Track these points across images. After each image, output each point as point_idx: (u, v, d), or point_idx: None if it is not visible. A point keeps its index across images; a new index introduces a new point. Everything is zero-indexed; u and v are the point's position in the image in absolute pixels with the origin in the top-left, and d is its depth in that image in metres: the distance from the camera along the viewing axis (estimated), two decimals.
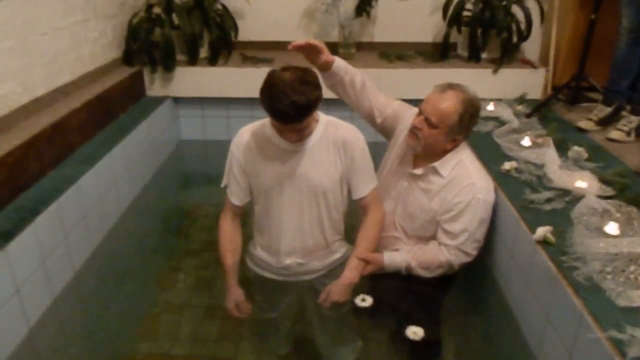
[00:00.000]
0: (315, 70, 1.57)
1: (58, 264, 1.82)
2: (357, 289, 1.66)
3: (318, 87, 1.42)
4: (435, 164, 1.67)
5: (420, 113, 1.66)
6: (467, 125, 1.64)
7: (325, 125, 1.59)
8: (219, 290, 1.84)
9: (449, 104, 1.60)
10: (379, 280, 1.74)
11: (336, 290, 1.59)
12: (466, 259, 1.70)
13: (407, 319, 1.65)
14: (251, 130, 1.64)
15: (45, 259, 1.74)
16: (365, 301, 1.67)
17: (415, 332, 1.59)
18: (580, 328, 1.27)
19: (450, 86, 1.66)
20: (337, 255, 1.74)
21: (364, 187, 1.64)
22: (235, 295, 1.65)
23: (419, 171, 1.72)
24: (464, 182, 1.66)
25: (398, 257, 1.69)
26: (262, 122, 1.63)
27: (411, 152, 1.75)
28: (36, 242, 1.68)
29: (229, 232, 1.68)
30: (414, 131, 1.66)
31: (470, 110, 1.62)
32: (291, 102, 1.35)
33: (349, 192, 1.67)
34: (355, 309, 1.67)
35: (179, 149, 3.23)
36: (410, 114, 1.79)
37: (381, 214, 1.70)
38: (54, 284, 1.79)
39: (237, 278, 1.68)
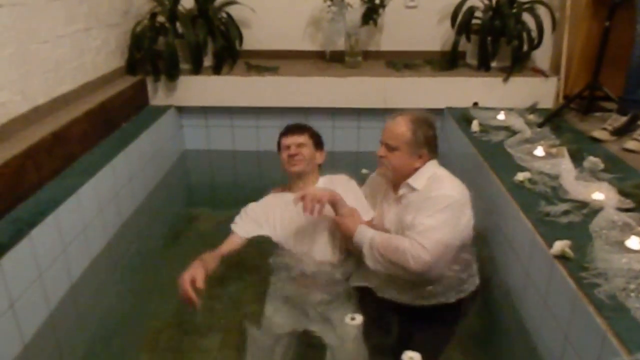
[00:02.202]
0: None
1: (55, 277, 1.75)
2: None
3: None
4: (409, 180, 1.70)
5: (380, 144, 1.77)
6: (425, 139, 1.71)
7: (324, 182, 1.92)
8: (222, 302, 1.81)
9: (400, 125, 1.72)
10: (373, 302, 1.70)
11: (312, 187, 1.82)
12: (423, 254, 1.48)
13: (404, 343, 1.55)
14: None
15: (42, 273, 1.67)
16: (355, 320, 1.61)
17: (411, 358, 1.49)
18: (604, 350, 1.18)
19: (400, 113, 1.77)
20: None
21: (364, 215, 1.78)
22: (199, 269, 1.55)
23: (399, 192, 1.74)
24: (434, 185, 1.65)
25: (370, 231, 1.66)
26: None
27: (390, 187, 1.81)
28: (32, 255, 1.62)
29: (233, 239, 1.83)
30: (381, 161, 1.77)
31: (422, 125, 1.72)
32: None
33: None
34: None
35: (183, 159, 3.18)
36: (373, 177, 1.98)
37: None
38: (50, 297, 1.73)
39: (213, 262, 1.67)
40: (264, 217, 1.88)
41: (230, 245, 1.81)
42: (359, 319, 1.62)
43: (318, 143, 1.99)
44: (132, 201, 2.44)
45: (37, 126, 2.03)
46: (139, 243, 2.29)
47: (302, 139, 1.93)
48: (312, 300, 1.72)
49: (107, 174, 2.16)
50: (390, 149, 1.71)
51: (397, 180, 1.74)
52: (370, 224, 1.78)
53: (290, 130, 1.97)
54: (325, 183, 1.93)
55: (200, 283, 1.51)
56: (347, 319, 1.62)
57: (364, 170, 2.29)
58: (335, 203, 1.71)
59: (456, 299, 1.66)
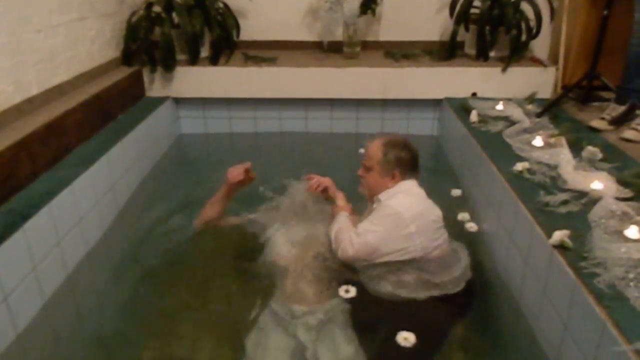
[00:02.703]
0: None
1: (50, 269, 1.74)
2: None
3: None
4: (380, 194, 1.80)
5: (361, 164, 1.90)
6: (395, 160, 1.79)
7: None
8: (218, 295, 1.80)
9: (374, 147, 1.85)
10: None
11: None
12: (349, 249, 1.68)
13: (398, 324, 1.56)
14: None
15: (36, 265, 1.66)
16: (349, 292, 1.69)
17: (406, 338, 1.50)
18: (603, 339, 1.18)
19: (378, 137, 1.89)
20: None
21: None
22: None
23: (372, 206, 1.82)
24: (391, 198, 1.74)
25: (343, 218, 1.82)
26: None
27: (370, 204, 1.88)
28: (26, 248, 1.61)
29: None
30: (361, 181, 1.90)
31: (393, 147, 1.81)
32: None
33: None
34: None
35: (180, 150, 3.15)
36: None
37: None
38: (45, 289, 1.72)
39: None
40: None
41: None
42: (352, 290, 1.69)
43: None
44: (128, 192, 2.42)
45: (30, 117, 2.01)
46: (135, 233, 2.27)
47: None
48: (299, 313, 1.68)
49: (102, 166, 2.14)
50: (367, 169, 1.86)
51: (372, 198, 1.86)
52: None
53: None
54: None
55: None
56: (342, 291, 1.69)
57: (362, 150, 2.28)
58: (334, 195, 1.95)
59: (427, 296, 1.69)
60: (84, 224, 1.97)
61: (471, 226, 2.13)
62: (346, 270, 1.80)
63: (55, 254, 1.77)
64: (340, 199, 1.96)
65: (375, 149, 1.85)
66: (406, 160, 1.82)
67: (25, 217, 1.63)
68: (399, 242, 1.66)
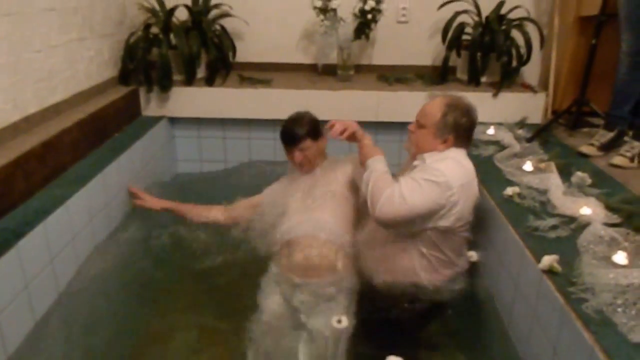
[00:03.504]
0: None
1: (42, 288, 1.74)
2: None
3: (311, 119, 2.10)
4: (425, 154, 1.76)
5: (415, 119, 1.85)
6: (453, 124, 1.72)
7: (330, 163, 2.11)
8: (214, 311, 1.84)
9: (434, 105, 1.77)
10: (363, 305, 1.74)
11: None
12: (387, 207, 1.58)
13: (387, 347, 1.57)
14: None
15: (28, 283, 1.66)
16: (341, 322, 1.63)
17: None
18: None
19: (443, 95, 1.83)
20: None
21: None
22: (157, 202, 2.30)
23: (414, 163, 1.79)
24: (439, 162, 1.69)
25: (380, 164, 1.74)
26: None
27: (411, 163, 1.85)
28: (19, 266, 1.60)
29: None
30: (409, 135, 1.86)
31: (455, 110, 1.74)
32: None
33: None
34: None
35: (175, 169, 3.17)
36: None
37: None
38: (36, 308, 1.71)
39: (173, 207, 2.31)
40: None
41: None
42: (344, 321, 1.62)
43: (315, 135, 2.06)
44: (122, 211, 2.42)
45: (27, 135, 2.02)
46: (128, 251, 2.27)
47: (303, 144, 2.03)
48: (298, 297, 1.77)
49: (97, 184, 2.14)
50: (419, 125, 1.78)
51: (416, 155, 1.81)
52: None
53: (287, 142, 2.07)
54: (331, 163, 2.12)
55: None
56: (333, 322, 1.63)
57: None
58: (362, 137, 1.89)
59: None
60: (77, 241, 1.97)
61: (471, 255, 2.02)
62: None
63: (47, 272, 1.77)
64: (369, 142, 1.86)
65: (434, 108, 1.75)
66: (465, 127, 1.75)
67: (18, 235, 1.63)
68: (440, 207, 1.61)
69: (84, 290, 1.93)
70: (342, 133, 1.86)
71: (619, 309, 1.29)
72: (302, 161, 2.05)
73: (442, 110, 1.73)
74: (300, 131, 2.02)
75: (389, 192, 1.59)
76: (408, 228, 1.68)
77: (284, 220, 2.00)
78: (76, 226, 1.97)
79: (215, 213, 2.27)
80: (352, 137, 1.90)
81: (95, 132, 2.42)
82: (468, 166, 1.74)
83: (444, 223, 1.66)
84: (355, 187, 1.98)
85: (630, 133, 2.42)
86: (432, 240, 1.72)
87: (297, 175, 2.14)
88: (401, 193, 1.58)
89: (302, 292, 1.79)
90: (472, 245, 2.04)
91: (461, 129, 1.74)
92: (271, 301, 1.80)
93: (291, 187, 2.12)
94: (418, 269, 1.76)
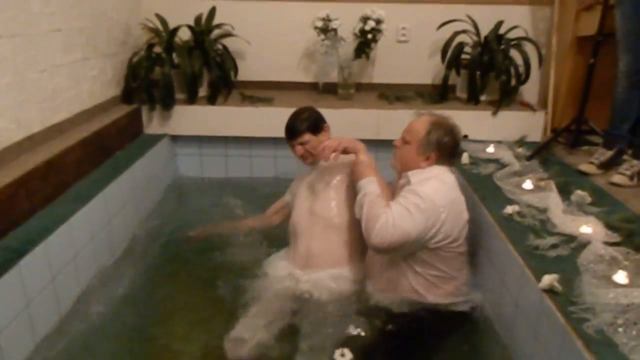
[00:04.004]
0: None
1: (43, 307, 1.74)
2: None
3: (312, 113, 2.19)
4: (409, 172, 1.80)
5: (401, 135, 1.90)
6: (436, 142, 1.78)
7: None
8: (217, 332, 1.80)
9: (419, 123, 1.84)
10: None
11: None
12: (382, 237, 1.61)
13: None
14: None
15: (29, 303, 1.66)
16: (344, 356, 1.62)
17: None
18: None
19: (428, 113, 1.90)
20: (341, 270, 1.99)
21: None
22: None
23: (400, 182, 1.85)
24: (425, 180, 1.74)
25: (373, 186, 1.76)
26: None
27: (397, 179, 1.91)
28: (20, 285, 1.61)
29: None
30: (394, 152, 1.90)
31: (438, 129, 1.79)
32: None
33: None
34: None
35: (176, 187, 3.18)
36: None
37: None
38: (37, 328, 1.71)
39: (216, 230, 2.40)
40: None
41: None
42: (347, 355, 1.62)
43: (315, 129, 2.13)
44: (124, 229, 2.43)
45: (31, 154, 2.04)
46: (131, 271, 2.27)
47: (302, 138, 2.10)
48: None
49: (99, 202, 2.15)
50: (405, 141, 1.84)
51: (401, 172, 1.86)
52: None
53: (288, 136, 2.16)
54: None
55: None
56: (337, 355, 1.62)
57: None
58: (357, 151, 1.89)
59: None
60: (78, 260, 1.97)
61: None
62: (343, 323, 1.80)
63: (48, 291, 1.77)
64: (364, 157, 1.87)
65: (419, 125, 1.82)
66: (447, 146, 1.80)
67: (20, 254, 1.63)
68: (432, 227, 1.66)
69: (86, 310, 1.93)
70: (334, 152, 1.89)
71: (620, 329, 1.29)
72: (304, 154, 2.13)
73: (426, 128, 1.79)
74: (299, 125, 2.11)
75: (382, 220, 1.62)
76: (404, 252, 1.72)
77: (292, 215, 2.17)
78: (78, 245, 1.97)
79: (252, 224, 2.42)
80: (347, 151, 1.91)
81: (98, 150, 2.44)
82: (450, 182, 1.79)
83: (433, 241, 1.69)
84: None
85: (630, 151, 2.44)
86: (423, 259, 1.75)
87: (306, 170, 2.26)
88: (394, 221, 1.62)
89: (305, 283, 1.94)
90: (472, 264, 2.04)
91: (444, 148, 1.79)
92: (278, 267, 2.06)
93: (300, 182, 2.26)
94: (416, 286, 1.79)
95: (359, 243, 1.98)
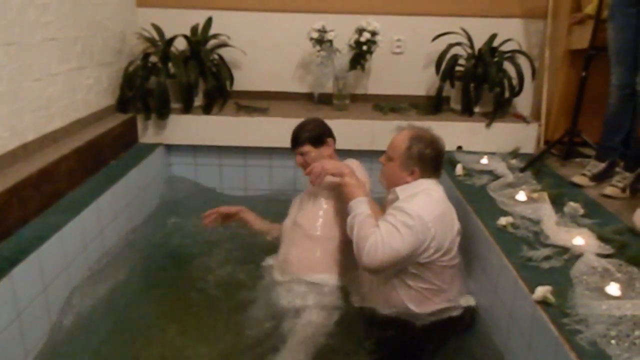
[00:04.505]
0: None
1: (34, 317, 1.72)
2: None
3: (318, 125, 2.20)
4: (397, 188, 1.82)
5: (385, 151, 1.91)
6: (417, 157, 1.79)
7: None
8: (210, 341, 1.83)
9: (400, 138, 1.85)
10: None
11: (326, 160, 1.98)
12: (373, 257, 1.62)
13: None
14: None
15: (21, 313, 1.64)
16: None
17: None
18: None
19: (410, 125, 1.91)
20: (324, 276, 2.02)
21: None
22: (235, 210, 2.37)
23: (388, 197, 1.87)
24: (412, 197, 1.75)
25: (363, 207, 1.77)
26: None
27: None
28: (11, 295, 1.59)
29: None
30: (380, 169, 1.91)
31: (418, 142, 1.81)
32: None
33: None
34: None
35: (171, 196, 3.17)
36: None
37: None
38: (28, 338, 1.69)
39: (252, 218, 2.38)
40: None
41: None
42: None
43: (317, 142, 2.13)
44: (117, 238, 2.42)
45: (24, 163, 2.03)
46: (123, 280, 2.26)
47: (302, 148, 2.13)
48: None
49: (92, 212, 2.15)
50: (388, 158, 1.85)
51: (389, 188, 1.87)
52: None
53: (291, 143, 2.17)
54: None
55: (222, 220, 2.34)
56: None
57: None
58: (342, 175, 1.88)
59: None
60: (70, 269, 1.96)
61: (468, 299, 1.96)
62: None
63: (40, 301, 1.76)
64: (351, 179, 1.86)
65: (400, 140, 1.83)
66: (429, 158, 1.81)
67: (13, 263, 1.62)
68: (422, 243, 1.66)
69: (77, 319, 1.91)
70: (319, 177, 1.92)
71: (613, 341, 1.29)
72: (302, 164, 2.15)
73: (406, 143, 1.80)
74: (301, 135, 2.13)
75: (372, 240, 1.63)
76: (395, 269, 1.73)
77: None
78: (70, 254, 1.96)
79: (277, 230, 2.35)
80: (333, 175, 1.92)
81: (92, 159, 2.44)
82: (438, 196, 1.79)
83: (424, 256, 1.70)
84: None
85: (622, 164, 2.46)
86: (414, 273, 1.75)
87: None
88: (383, 240, 1.62)
89: (283, 289, 2.00)
90: (466, 275, 2.04)
91: (426, 160, 1.80)
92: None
93: (299, 195, 2.31)
94: (407, 301, 1.79)
95: (343, 255, 2.01)
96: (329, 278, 2.00)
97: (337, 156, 2.22)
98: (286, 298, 1.95)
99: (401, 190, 1.79)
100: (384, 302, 1.83)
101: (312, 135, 2.14)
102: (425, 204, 1.71)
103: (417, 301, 1.79)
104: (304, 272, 2.01)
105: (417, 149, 1.79)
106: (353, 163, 2.12)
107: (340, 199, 1.96)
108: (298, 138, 2.14)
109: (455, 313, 1.85)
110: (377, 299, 1.86)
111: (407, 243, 1.63)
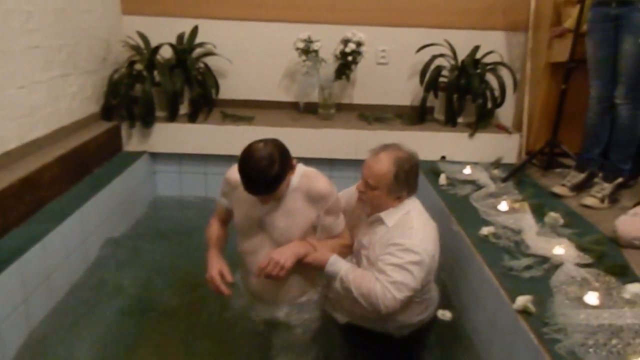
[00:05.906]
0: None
1: (13, 328, 1.70)
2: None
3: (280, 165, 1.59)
4: (382, 213, 1.73)
5: (362, 177, 1.75)
6: (405, 181, 1.70)
7: (300, 176, 1.71)
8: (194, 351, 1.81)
9: (382, 165, 1.69)
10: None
11: (278, 250, 1.66)
12: (393, 303, 1.57)
13: None
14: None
15: (2, 322, 1.62)
16: None
17: None
18: None
19: (384, 148, 1.75)
20: (303, 299, 1.84)
21: (334, 232, 1.80)
22: (219, 263, 1.75)
23: (370, 218, 1.77)
24: (405, 226, 1.68)
25: (343, 264, 1.70)
26: None
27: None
28: None
29: (215, 226, 1.90)
30: (360, 196, 1.78)
31: (404, 166, 1.70)
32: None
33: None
34: None
35: (154, 205, 3.15)
36: (352, 190, 1.93)
37: (347, 238, 1.85)
38: (7, 350, 1.67)
39: (221, 253, 1.83)
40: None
41: (218, 230, 1.91)
42: None
43: (273, 188, 1.61)
44: (100, 247, 2.40)
45: (7, 171, 2.01)
46: (105, 290, 2.23)
47: (262, 198, 1.67)
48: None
49: (75, 221, 2.13)
50: (371, 187, 1.69)
51: (371, 214, 1.77)
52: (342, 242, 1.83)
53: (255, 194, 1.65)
54: (302, 180, 1.72)
55: (228, 277, 1.73)
56: None
57: None
58: (300, 257, 1.67)
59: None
60: (52, 280, 1.94)
61: (444, 314, 1.95)
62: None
63: (20, 312, 1.73)
64: (313, 255, 1.68)
65: (383, 168, 1.67)
66: (413, 175, 1.74)
67: None
68: (428, 273, 1.68)
69: (57, 330, 1.88)
70: (277, 274, 1.64)
71: (591, 349, 1.32)
72: (267, 201, 1.71)
73: (392, 170, 1.67)
74: (256, 191, 1.63)
75: (379, 290, 1.57)
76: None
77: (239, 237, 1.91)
78: (52, 264, 1.94)
79: (224, 233, 2.15)
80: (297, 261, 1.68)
81: (76, 167, 2.42)
82: (425, 217, 1.76)
83: (426, 279, 1.70)
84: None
85: (601, 174, 2.51)
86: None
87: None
88: (390, 283, 1.57)
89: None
90: (448, 284, 2.07)
91: (412, 180, 1.74)
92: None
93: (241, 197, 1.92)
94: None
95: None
96: (307, 295, 1.87)
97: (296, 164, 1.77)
98: (267, 312, 1.86)
99: (387, 216, 1.71)
100: (363, 314, 1.74)
101: (269, 187, 1.60)
102: (424, 234, 1.67)
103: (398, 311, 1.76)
104: (283, 301, 1.83)
105: (404, 173, 1.68)
106: (311, 172, 1.78)
107: (287, 216, 1.72)
108: (253, 192, 1.62)
109: (430, 316, 1.86)
110: (359, 312, 1.76)
111: (419, 278, 1.61)
